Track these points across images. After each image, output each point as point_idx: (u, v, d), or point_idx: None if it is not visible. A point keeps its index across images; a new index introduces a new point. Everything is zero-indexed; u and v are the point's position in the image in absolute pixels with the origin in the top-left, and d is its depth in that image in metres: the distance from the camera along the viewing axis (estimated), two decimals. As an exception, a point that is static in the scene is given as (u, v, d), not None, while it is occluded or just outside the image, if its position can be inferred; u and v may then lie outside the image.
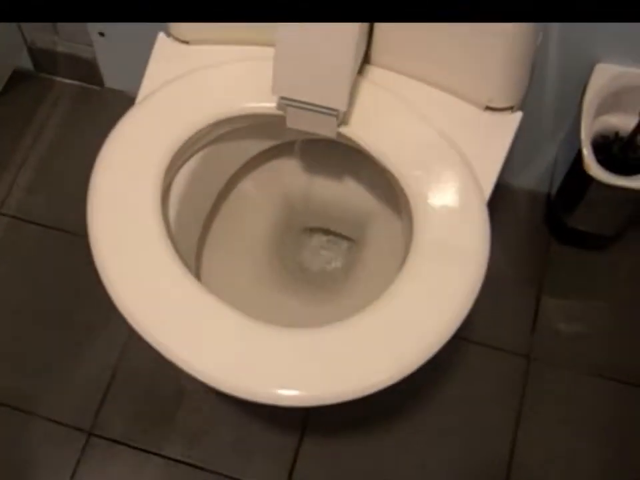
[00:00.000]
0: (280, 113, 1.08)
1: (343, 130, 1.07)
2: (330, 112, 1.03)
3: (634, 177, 1.26)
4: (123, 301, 0.96)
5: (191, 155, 1.13)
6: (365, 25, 1.04)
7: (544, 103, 1.39)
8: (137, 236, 1.00)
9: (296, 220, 1.39)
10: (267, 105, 1.08)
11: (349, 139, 1.08)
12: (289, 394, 0.90)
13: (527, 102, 1.18)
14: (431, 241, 0.99)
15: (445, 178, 1.04)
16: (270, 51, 1.00)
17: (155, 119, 1.09)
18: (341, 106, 1.02)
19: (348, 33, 0.97)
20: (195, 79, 1.12)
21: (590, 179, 1.26)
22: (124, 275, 0.98)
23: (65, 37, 1.70)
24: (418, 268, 0.98)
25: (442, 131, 1.07)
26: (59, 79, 1.82)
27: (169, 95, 1.11)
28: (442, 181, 1.04)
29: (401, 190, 1.04)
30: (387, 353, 0.93)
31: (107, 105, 1.78)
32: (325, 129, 1.07)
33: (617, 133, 1.32)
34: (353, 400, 0.91)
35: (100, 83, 1.79)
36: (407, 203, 1.03)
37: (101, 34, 1.62)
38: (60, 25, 1.67)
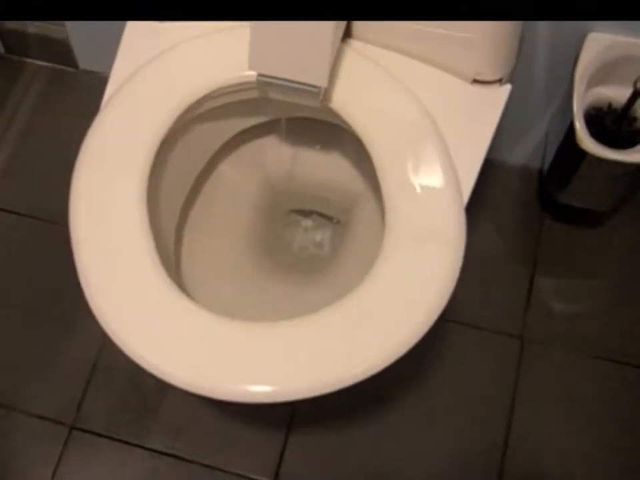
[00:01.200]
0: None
1: (326, 103, 1.05)
2: (310, 88, 1.00)
3: (628, 150, 1.24)
4: (96, 301, 0.95)
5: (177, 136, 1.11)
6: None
7: (534, 75, 1.37)
8: (120, 236, 0.98)
9: (279, 201, 1.37)
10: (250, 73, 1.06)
11: (332, 113, 1.06)
12: (260, 390, 0.89)
13: (517, 74, 1.17)
14: (404, 224, 0.98)
15: (420, 157, 1.02)
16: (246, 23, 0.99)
17: (136, 107, 1.06)
18: (322, 82, 0.99)
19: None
20: (170, 58, 1.09)
21: (583, 153, 1.23)
22: (101, 274, 0.96)
23: (37, 18, 1.68)
24: (392, 254, 0.96)
25: (424, 107, 1.05)
26: (30, 61, 1.79)
27: (145, 80, 1.08)
28: (417, 160, 1.02)
29: (375, 167, 1.02)
30: (364, 343, 0.91)
31: (82, 87, 1.75)
32: (307, 102, 1.04)
33: (610, 105, 1.29)
34: (331, 392, 0.89)
35: (74, 64, 1.76)
36: (379, 181, 1.01)
37: (74, 14, 1.59)
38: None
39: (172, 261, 1.15)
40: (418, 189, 0.99)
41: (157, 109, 1.05)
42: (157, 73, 1.08)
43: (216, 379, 0.90)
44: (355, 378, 0.89)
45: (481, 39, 1.05)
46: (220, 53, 1.08)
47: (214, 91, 1.07)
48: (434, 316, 0.93)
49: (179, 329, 0.93)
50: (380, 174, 1.01)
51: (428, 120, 1.04)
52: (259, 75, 1.01)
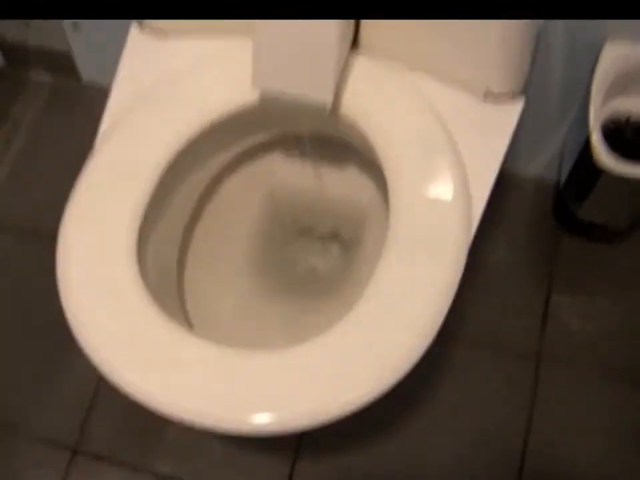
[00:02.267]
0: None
1: (333, 116, 1.05)
2: (315, 103, 1.00)
3: (648, 165, 1.24)
4: (83, 331, 0.96)
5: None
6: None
7: (550, 86, 1.36)
8: (107, 267, 0.99)
9: (285, 220, 1.36)
10: (249, 98, 1.06)
11: (341, 129, 1.07)
12: (259, 422, 0.88)
13: (531, 85, 1.15)
14: (405, 237, 0.97)
15: (433, 168, 1.01)
16: (246, 43, 0.99)
17: (139, 135, 1.07)
18: (327, 97, 1.00)
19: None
20: (170, 91, 1.09)
21: (600, 168, 1.22)
22: (90, 312, 0.97)
23: (38, 30, 1.67)
24: (388, 272, 0.96)
25: (439, 116, 1.05)
26: (33, 74, 1.80)
27: (144, 114, 1.08)
28: (429, 172, 1.01)
29: (385, 177, 1.02)
30: (362, 367, 0.91)
31: (86, 100, 1.76)
32: (313, 116, 1.04)
33: (628, 118, 1.28)
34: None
35: (77, 77, 1.77)
36: (388, 190, 1.01)
37: (76, 26, 1.59)
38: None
39: (174, 281, 1.15)
40: (425, 204, 0.99)
41: (160, 139, 1.05)
42: (162, 101, 1.09)
43: (212, 412, 0.89)
44: (352, 405, 0.88)
45: (492, 51, 1.04)
46: (223, 77, 1.08)
47: (219, 118, 1.08)
48: (428, 338, 0.92)
49: (173, 360, 0.92)
50: (390, 185, 1.01)
51: (442, 129, 1.04)
52: (263, 89, 1.02)
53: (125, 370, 0.92)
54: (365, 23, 1.07)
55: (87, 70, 1.74)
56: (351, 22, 1.05)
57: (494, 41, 1.03)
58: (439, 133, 1.03)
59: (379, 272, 0.95)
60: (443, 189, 1.00)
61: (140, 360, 0.92)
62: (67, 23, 1.59)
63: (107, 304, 0.96)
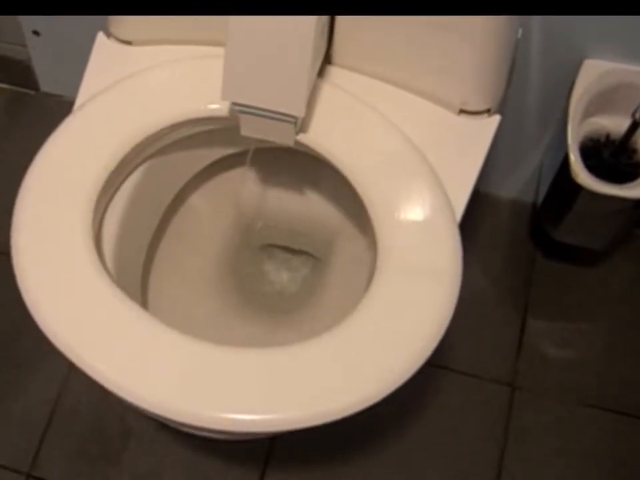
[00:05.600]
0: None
1: (302, 137, 1.05)
2: (286, 118, 1.01)
3: (627, 185, 1.25)
4: (53, 330, 0.93)
5: (134, 168, 1.11)
6: (324, 21, 1.03)
7: (527, 104, 1.38)
8: (64, 261, 0.97)
9: (253, 237, 1.38)
10: (218, 107, 1.07)
11: (309, 147, 1.07)
12: (242, 418, 0.87)
13: (508, 103, 1.18)
14: (397, 259, 0.97)
15: (411, 190, 1.02)
16: (219, 50, 0.98)
17: (92, 130, 1.06)
18: (298, 112, 1.00)
19: (305, 30, 0.95)
20: (135, 83, 1.10)
21: (578, 187, 1.24)
22: (53, 303, 0.95)
23: (-3, 37, 1.68)
24: (383, 289, 0.96)
25: (408, 138, 1.05)
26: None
27: (108, 102, 1.08)
28: (408, 193, 1.02)
29: (364, 203, 1.03)
30: (349, 380, 0.90)
31: (43, 110, 1.77)
32: (281, 136, 1.05)
33: (607, 136, 1.30)
34: (311, 427, 0.88)
35: (35, 86, 1.78)
36: (369, 217, 1.02)
37: (36, 33, 1.60)
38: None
39: (137, 293, 1.16)
40: (411, 223, 1.00)
41: (112, 138, 1.05)
42: (120, 97, 1.08)
43: (192, 405, 0.88)
44: (331, 416, 0.88)
45: (467, 67, 1.06)
46: (192, 81, 1.09)
47: (179, 123, 1.08)
48: (422, 358, 0.92)
49: (151, 351, 0.91)
50: (370, 209, 1.01)
51: (414, 150, 1.05)
52: (233, 103, 1.02)
53: (96, 361, 0.91)
54: (338, 36, 1.08)
55: (45, 79, 1.75)
56: (325, 34, 1.05)
57: (470, 56, 1.04)
58: (414, 155, 1.04)
59: (372, 290, 0.95)
60: (426, 211, 1.00)
61: (114, 350, 0.91)
62: (28, 32, 1.60)
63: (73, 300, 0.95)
